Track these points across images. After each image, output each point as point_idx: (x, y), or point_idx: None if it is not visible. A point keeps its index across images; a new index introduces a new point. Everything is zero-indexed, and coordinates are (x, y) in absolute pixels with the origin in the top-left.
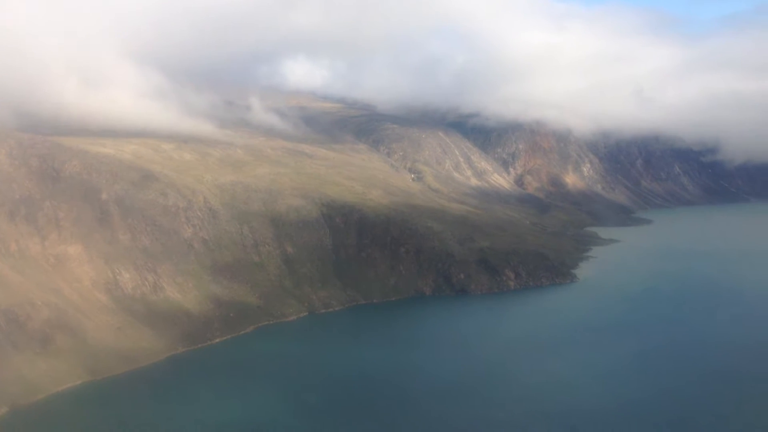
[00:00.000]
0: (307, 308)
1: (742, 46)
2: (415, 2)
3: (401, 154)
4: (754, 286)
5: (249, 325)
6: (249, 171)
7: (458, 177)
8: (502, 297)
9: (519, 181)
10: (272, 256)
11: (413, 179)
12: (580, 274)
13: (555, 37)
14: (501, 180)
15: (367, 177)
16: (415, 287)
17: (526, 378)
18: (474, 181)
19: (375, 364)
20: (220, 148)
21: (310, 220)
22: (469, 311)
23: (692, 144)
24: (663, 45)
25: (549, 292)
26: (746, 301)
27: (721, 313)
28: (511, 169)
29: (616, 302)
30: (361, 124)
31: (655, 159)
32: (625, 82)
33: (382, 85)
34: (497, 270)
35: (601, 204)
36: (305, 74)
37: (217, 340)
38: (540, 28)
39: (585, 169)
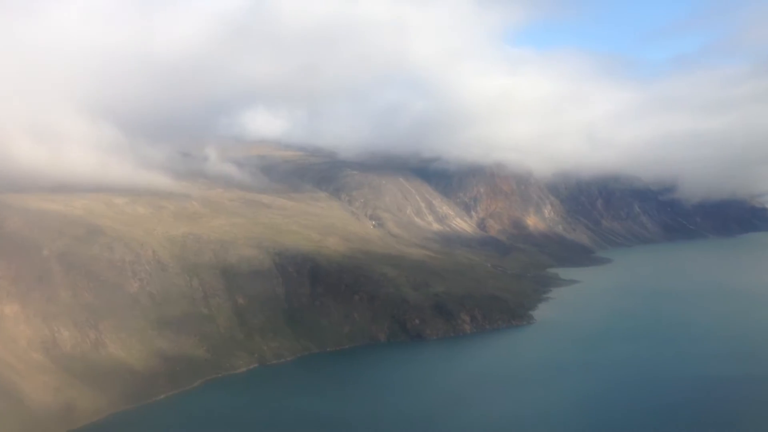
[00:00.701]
0: (257, 359)
1: (691, 86)
2: (368, 50)
3: (362, 201)
4: (703, 322)
5: (196, 380)
6: (204, 223)
7: (420, 222)
8: (457, 341)
9: (481, 225)
10: (222, 308)
11: (374, 226)
12: (537, 316)
13: (510, 81)
14: (463, 224)
15: (325, 225)
16: (370, 334)
17: (474, 419)
18: (436, 226)
19: (324, 414)
20: (175, 200)
21: (263, 270)
22: (422, 356)
23: (651, 183)
24: (616, 87)
25: (505, 335)
26: (694, 337)
27: (668, 350)
28: (473, 213)
29: (570, 342)
30: (322, 172)
31: (614, 199)
32: (582, 124)
33: (343, 132)
34: (453, 314)
35: (562, 245)
36: (264, 123)
37: (162, 396)
38: (495, 73)
39: (546, 211)
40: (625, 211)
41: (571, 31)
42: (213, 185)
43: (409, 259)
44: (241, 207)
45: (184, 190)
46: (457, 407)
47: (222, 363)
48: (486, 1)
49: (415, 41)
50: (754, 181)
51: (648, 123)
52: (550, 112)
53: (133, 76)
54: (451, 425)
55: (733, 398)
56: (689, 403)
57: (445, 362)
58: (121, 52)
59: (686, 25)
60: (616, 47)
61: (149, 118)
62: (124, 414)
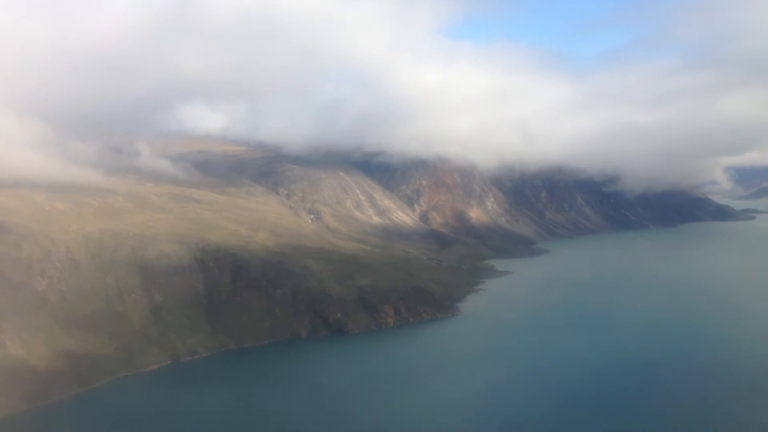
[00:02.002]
0: (170, 357)
1: (625, 80)
2: (304, 44)
3: (300, 195)
4: (625, 311)
5: (104, 379)
6: (126, 219)
7: (360, 216)
8: (379, 334)
9: (424, 218)
10: (138, 305)
11: (312, 220)
12: (464, 307)
13: (449, 75)
14: (405, 217)
15: (256, 220)
16: (291, 329)
17: (385, 410)
18: (376, 220)
19: (229, 411)
20: (100, 196)
21: (182, 266)
22: (338, 351)
23: (594, 175)
24: (553, 81)
25: (428, 327)
26: (613, 326)
27: (583, 338)
28: (416, 206)
29: (490, 332)
30: (261, 167)
31: (558, 191)
32: (521, 117)
33: (286, 126)
34: (376, 308)
35: (504, 237)
36: (204, 119)
37: (66, 396)
38: (434, 67)
39: (489, 203)
40: (569, 203)
41: (506, 25)
42: (144, 181)
43: (340, 253)
44: (169, 202)
45: (112, 185)
46: (361, 403)
47: (132, 361)
48: None
49: (353, 35)
50: (694, 172)
51: (587, 116)
52: (490, 106)
53: (63, 70)
54: (353, 421)
55: (637, 385)
56: (591, 390)
57: (360, 357)
58: (47, 46)
59: (614, 19)
60: (549, 41)
61: (79, 114)
62: (23, 415)
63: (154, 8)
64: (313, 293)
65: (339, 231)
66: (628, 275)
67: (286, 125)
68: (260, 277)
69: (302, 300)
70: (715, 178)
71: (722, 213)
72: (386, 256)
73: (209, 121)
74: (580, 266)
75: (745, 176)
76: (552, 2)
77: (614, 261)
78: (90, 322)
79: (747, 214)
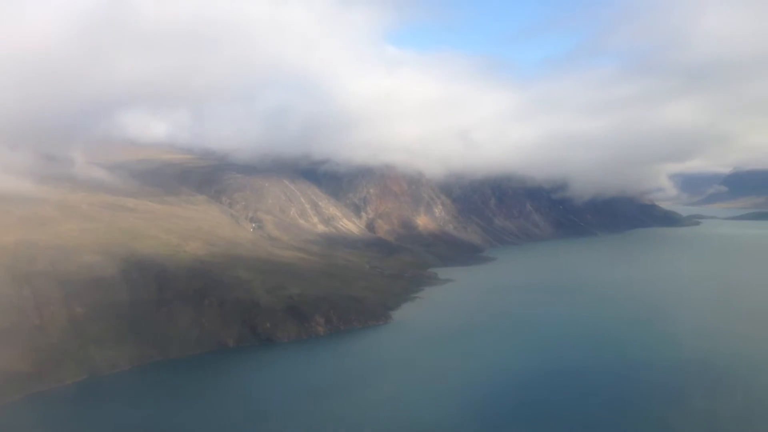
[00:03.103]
0: (87, 371)
1: (568, 88)
2: (247, 52)
3: (243, 204)
4: (554, 316)
5: (14, 395)
6: (50, 229)
7: (304, 224)
8: (308, 343)
9: (370, 226)
10: (56, 318)
11: (253, 229)
12: (397, 315)
13: (394, 83)
14: (350, 225)
15: (191, 229)
16: (218, 340)
17: (302, 419)
18: (321, 228)
19: (136, 426)
20: (26, 205)
21: (106, 277)
22: (266, 360)
23: (543, 182)
24: (497, 88)
25: (357, 335)
26: (545, 332)
27: (513, 345)
28: (363, 214)
29: (418, 339)
30: (205, 175)
31: (508, 198)
32: (467, 124)
33: (232, 134)
34: (306, 316)
35: (451, 244)
36: (147, 126)
37: None
38: (378, 75)
39: (437, 211)
40: (518, 210)
41: (448, 33)
42: (77, 189)
43: (276, 262)
44: (100, 211)
45: (44, 194)
46: (283, 412)
47: (47, 375)
48: (360, 3)
49: (296, 43)
50: (640, 179)
51: (532, 124)
52: (436, 114)
53: None
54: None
55: (557, 391)
56: (511, 396)
57: (284, 366)
58: None
59: (551, 25)
60: (490, 48)
61: (9, 122)
62: None
63: (84, 12)
64: (242, 303)
65: (280, 240)
66: (567, 282)
67: (233, 133)
68: (187, 288)
69: (230, 310)
70: (661, 185)
71: (668, 219)
72: (325, 265)
73: (153, 129)
74: (522, 273)
75: (691, 183)
76: (490, 9)
77: (557, 268)
78: (3, 336)
79: (693, 220)
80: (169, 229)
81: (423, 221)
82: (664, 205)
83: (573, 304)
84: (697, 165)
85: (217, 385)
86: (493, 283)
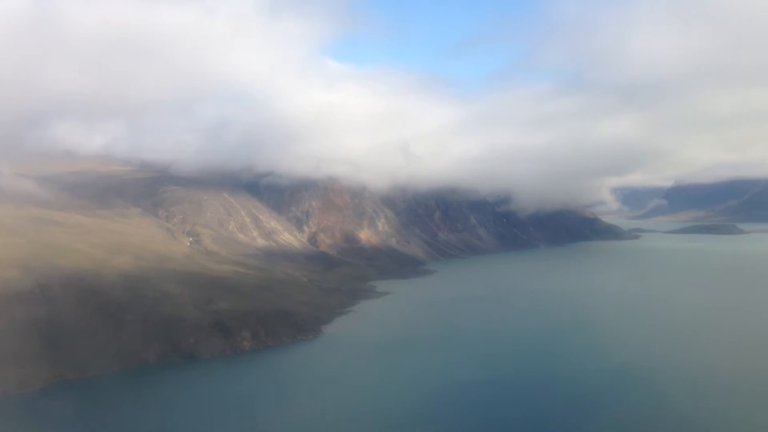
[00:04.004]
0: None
1: (507, 103)
2: (185, 62)
3: (181, 217)
4: (486, 329)
5: None
6: None
7: (243, 238)
8: (233, 359)
9: (312, 239)
10: None
11: (190, 243)
12: (329, 329)
13: (334, 97)
14: (291, 239)
15: (120, 243)
16: (139, 356)
17: None
18: (261, 242)
19: None
20: None
21: (22, 292)
22: (184, 376)
23: (487, 196)
24: (437, 103)
25: (286, 350)
26: (470, 344)
27: (437, 357)
28: (305, 227)
29: (345, 353)
30: (143, 188)
31: (452, 211)
32: (409, 138)
33: (172, 146)
34: (232, 331)
35: (393, 257)
36: (83, 137)
37: None
38: (319, 88)
39: (380, 224)
40: (462, 223)
41: (385, 47)
42: (3, 202)
43: (207, 276)
44: (24, 225)
45: None
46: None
47: None
48: (294, 16)
49: (235, 54)
50: (582, 193)
51: (473, 138)
52: (379, 127)
53: None
54: None
55: (469, 402)
56: (425, 408)
57: (200, 383)
58: None
59: (485, 42)
60: (427, 63)
61: None
62: None
63: (9, 21)
64: (166, 318)
65: (217, 254)
66: (502, 294)
67: (172, 145)
68: (109, 303)
69: (153, 326)
70: (604, 199)
71: (610, 232)
72: (261, 279)
73: (89, 140)
74: (459, 286)
75: (633, 197)
76: (425, 24)
77: (494, 281)
78: None
79: (633, 234)
80: (96, 243)
81: (366, 235)
82: (607, 219)
83: (504, 316)
84: (638, 179)
85: (131, 403)
86: (430, 296)
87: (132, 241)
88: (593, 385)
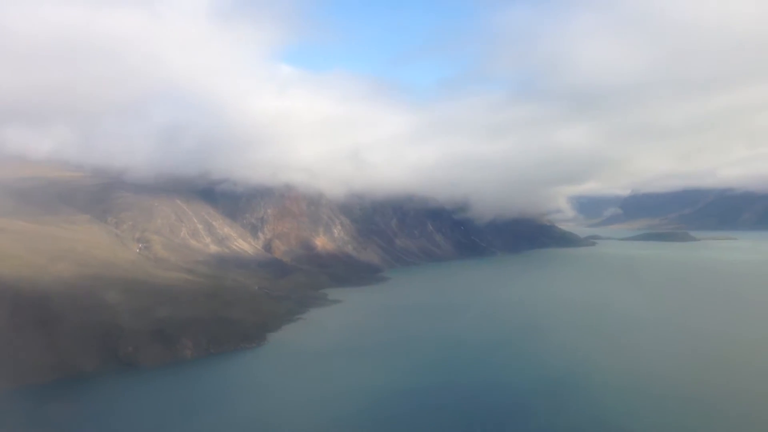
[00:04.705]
0: None
1: (462, 110)
2: (134, 66)
3: (131, 223)
4: (433, 336)
5: None
6: None
7: (195, 245)
8: (173, 367)
9: (267, 246)
10: None
11: (139, 249)
12: (275, 337)
13: (290, 102)
14: (245, 245)
15: (63, 249)
16: (76, 366)
17: None
18: (213, 248)
19: None
20: None
21: None
22: (121, 386)
23: (445, 203)
24: (394, 109)
25: (227, 358)
26: (416, 351)
27: (380, 364)
28: (260, 234)
29: (288, 362)
30: (93, 194)
31: (409, 218)
32: (364, 145)
33: (124, 151)
34: (173, 340)
35: (348, 265)
36: (31, 142)
37: None
38: (274, 93)
39: (336, 231)
40: (419, 230)
41: (338, 54)
42: None
43: (152, 284)
44: None
45: None
46: None
47: None
48: (245, 21)
49: (187, 59)
50: (539, 201)
51: (430, 145)
52: (334, 133)
53: None
54: None
55: (411, 409)
56: (366, 415)
57: (136, 392)
58: None
59: (435, 50)
60: (379, 69)
61: None
62: None
63: None
64: (105, 326)
65: (166, 260)
66: (453, 302)
67: (126, 150)
68: (45, 311)
69: (91, 334)
70: (560, 207)
71: (566, 240)
72: (209, 286)
73: (39, 144)
74: (412, 294)
75: (590, 205)
76: (376, 32)
77: (448, 288)
78: None
79: (589, 241)
80: (36, 250)
81: (322, 242)
82: (565, 227)
83: (453, 324)
84: (595, 188)
85: (65, 415)
86: (381, 303)
87: (76, 248)
88: (530, 392)
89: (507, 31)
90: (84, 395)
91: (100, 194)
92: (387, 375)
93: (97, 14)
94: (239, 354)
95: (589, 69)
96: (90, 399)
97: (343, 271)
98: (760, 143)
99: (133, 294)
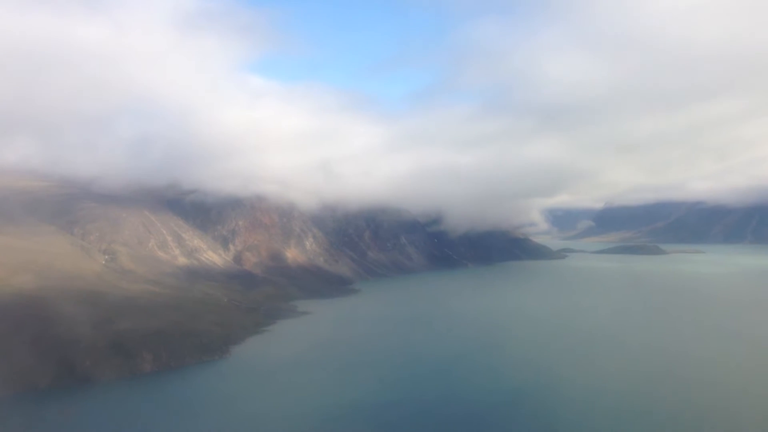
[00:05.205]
0: None
1: (434, 123)
2: (101, 76)
3: (97, 235)
4: (393, 348)
5: None
6: None
7: (163, 256)
8: (132, 382)
9: (237, 258)
10: None
11: (105, 261)
12: (239, 350)
13: (260, 113)
14: (215, 257)
15: (24, 261)
16: (30, 380)
17: None
18: (182, 260)
19: None
20: None
21: None
22: (74, 400)
23: (418, 215)
24: (365, 121)
25: (189, 372)
26: (376, 364)
27: (338, 378)
28: (230, 246)
29: (249, 376)
30: (59, 204)
31: (383, 231)
32: (336, 157)
33: (93, 161)
34: (132, 353)
35: (320, 277)
36: None
37: None
38: (244, 104)
39: (308, 243)
40: (392, 243)
41: (308, 66)
42: None
43: (117, 296)
44: None
45: None
46: None
47: None
48: (215, 33)
49: (150, 69)
50: (513, 213)
51: (403, 157)
52: (306, 145)
53: None
54: None
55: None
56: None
57: (89, 407)
58: None
59: (405, 62)
60: (349, 82)
61: None
62: None
63: None
64: (61, 340)
65: (133, 272)
66: (421, 314)
67: (93, 160)
68: (3, 324)
69: (46, 347)
70: (534, 220)
71: (539, 252)
72: (176, 298)
73: (3, 154)
74: (381, 306)
75: (564, 218)
76: (346, 43)
77: (417, 300)
78: None
79: (561, 254)
80: None
81: (293, 254)
82: (539, 240)
83: (418, 337)
84: (570, 201)
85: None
86: (349, 315)
87: (38, 260)
88: (487, 404)
89: (476, 44)
90: (36, 410)
91: (67, 205)
92: (347, 388)
93: (58, 24)
94: (200, 367)
95: (557, 83)
96: (41, 414)
97: (314, 283)
98: (727, 157)
99: (94, 306)
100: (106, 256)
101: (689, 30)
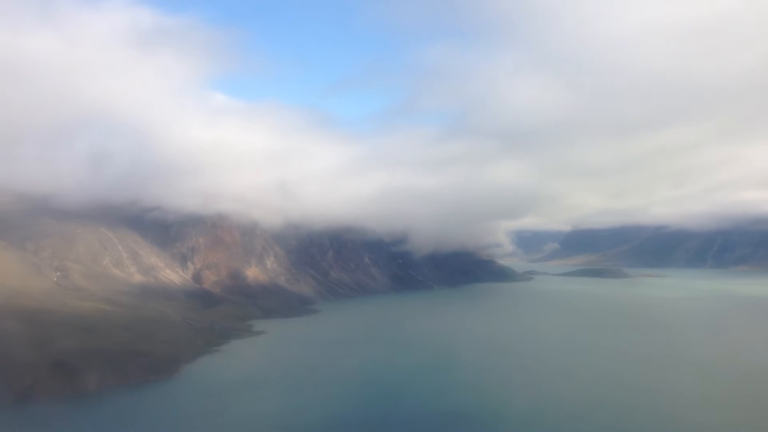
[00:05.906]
0: None
1: (396, 144)
2: (58, 89)
3: (50, 251)
4: (342, 370)
5: None
6: None
7: (118, 274)
8: (74, 401)
9: (197, 277)
10: None
11: (57, 278)
12: (189, 369)
13: (223, 131)
14: (173, 275)
15: None
16: None
17: None
18: (138, 278)
19: None
20: None
21: None
22: (14, 422)
23: (383, 236)
24: (328, 141)
25: (136, 391)
26: (323, 385)
27: (288, 397)
28: (189, 264)
29: (195, 396)
30: (12, 220)
31: (346, 250)
32: (297, 177)
33: (52, 177)
34: (76, 372)
35: (279, 296)
36: None
37: None
38: (206, 121)
39: (269, 262)
40: (355, 263)
41: (270, 84)
42: None
43: (64, 314)
44: None
45: None
46: None
47: None
48: (171, 50)
49: (105, 84)
50: (477, 235)
51: (366, 177)
52: (268, 164)
53: None
54: None
55: None
56: None
57: (26, 429)
58: None
59: (363, 83)
60: (309, 100)
61: None
62: None
63: None
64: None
65: (85, 290)
66: (377, 335)
67: (51, 176)
68: None
69: None
70: (499, 242)
71: (504, 274)
72: (124, 317)
73: None
74: (338, 326)
75: (530, 240)
76: (306, 62)
77: (375, 321)
78: None
79: (526, 276)
80: None
81: (253, 272)
82: (506, 262)
83: (369, 357)
84: (537, 223)
85: None
86: (306, 335)
87: None
88: (427, 424)
89: (432, 67)
90: None
91: (21, 220)
92: (289, 408)
93: (5, 37)
94: (148, 387)
95: (516, 107)
96: None
97: (274, 302)
98: (683, 184)
99: (38, 325)
100: (58, 273)
101: (639, 58)
